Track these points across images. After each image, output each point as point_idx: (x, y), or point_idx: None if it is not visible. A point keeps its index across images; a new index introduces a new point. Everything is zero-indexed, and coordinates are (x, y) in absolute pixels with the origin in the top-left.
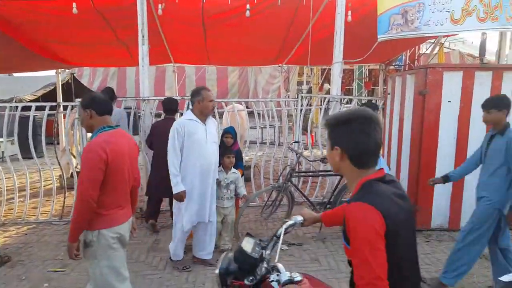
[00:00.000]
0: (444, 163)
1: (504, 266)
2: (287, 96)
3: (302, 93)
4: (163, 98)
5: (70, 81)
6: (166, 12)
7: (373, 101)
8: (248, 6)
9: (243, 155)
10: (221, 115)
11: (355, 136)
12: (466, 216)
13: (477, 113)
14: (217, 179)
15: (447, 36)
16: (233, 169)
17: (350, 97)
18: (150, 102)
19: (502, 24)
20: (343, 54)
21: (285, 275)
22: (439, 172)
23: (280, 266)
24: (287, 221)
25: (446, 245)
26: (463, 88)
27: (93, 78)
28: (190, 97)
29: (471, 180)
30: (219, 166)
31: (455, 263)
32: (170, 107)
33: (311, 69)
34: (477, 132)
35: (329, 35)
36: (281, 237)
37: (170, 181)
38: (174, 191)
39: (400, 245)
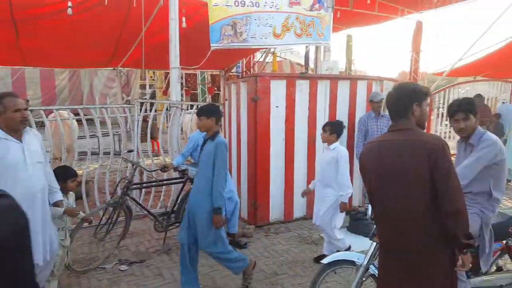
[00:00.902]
0: (277, 162)
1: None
2: (126, 101)
3: (146, 97)
4: None
5: None
6: None
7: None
8: (70, 4)
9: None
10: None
11: None
12: (298, 208)
13: (300, 117)
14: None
15: (271, 47)
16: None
17: (191, 103)
18: None
19: (315, 40)
20: (181, 60)
21: None
22: (273, 171)
23: None
24: None
25: (283, 236)
26: (287, 94)
27: None
28: None
29: (300, 178)
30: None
31: None
32: None
33: (154, 72)
34: (300, 136)
35: (166, 40)
36: None
37: None
38: None
39: None
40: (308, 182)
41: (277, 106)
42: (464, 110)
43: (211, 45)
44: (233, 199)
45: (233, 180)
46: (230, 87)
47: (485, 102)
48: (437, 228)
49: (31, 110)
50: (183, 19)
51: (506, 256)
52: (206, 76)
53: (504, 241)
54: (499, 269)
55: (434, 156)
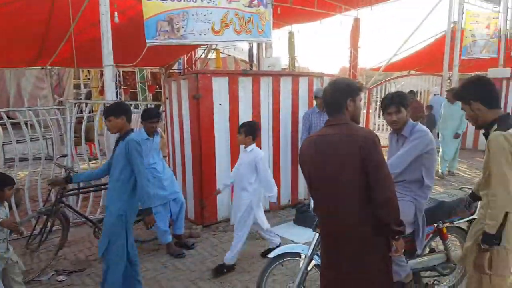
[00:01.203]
0: (222, 160)
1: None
2: (59, 103)
3: (80, 98)
4: None
5: None
6: None
7: (151, 106)
8: None
9: None
10: None
11: None
12: None
13: (244, 114)
14: None
15: (211, 44)
16: None
17: (129, 102)
18: None
19: (255, 36)
20: (116, 57)
21: None
22: (218, 169)
23: None
24: None
25: (231, 234)
26: (230, 91)
27: None
28: None
29: None
30: None
31: None
32: None
33: (89, 71)
34: None
35: (99, 36)
36: None
37: None
38: None
39: None
40: None
41: (220, 104)
42: (396, 104)
43: (147, 41)
44: (178, 200)
45: (178, 181)
46: (170, 85)
47: (419, 95)
48: (372, 216)
49: None
50: (115, 14)
51: (438, 238)
52: (145, 74)
53: (435, 225)
54: (432, 251)
55: (366, 148)
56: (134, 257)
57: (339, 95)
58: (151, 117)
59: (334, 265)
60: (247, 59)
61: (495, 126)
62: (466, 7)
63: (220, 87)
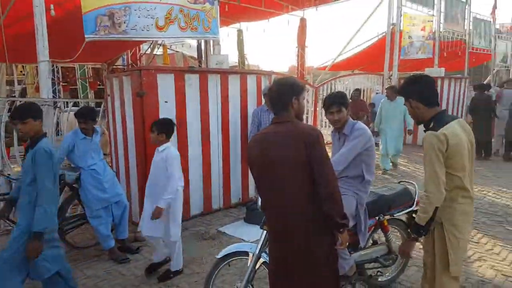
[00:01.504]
0: None
1: None
2: None
3: (14, 95)
4: None
5: None
6: None
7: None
8: None
9: None
10: None
11: None
12: (195, 205)
13: (191, 112)
14: None
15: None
16: None
17: (69, 99)
18: None
19: (201, 33)
20: (53, 52)
21: None
22: None
23: None
24: None
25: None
26: (177, 89)
27: None
28: None
29: (195, 174)
30: None
31: None
32: None
33: (24, 66)
34: (193, 132)
35: (33, 29)
36: None
37: None
38: None
39: None
40: (204, 178)
41: (166, 101)
42: (337, 103)
43: (86, 36)
44: (121, 203)
45: (122, 182)
46: (111, 82)
47: (363, 93)
48: (317, 211)
49: None
50: (51, 6)
51: (380, 231)
52: (86, 70)
53: (377, 218)
54: (375, 243)
55: (311, 144)
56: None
57: (285, 94)
58: (80, 117)
59: (282, 261)
60: (196, 56)
61: (432, 124)
62: (404, 10)
63: (165, 84)
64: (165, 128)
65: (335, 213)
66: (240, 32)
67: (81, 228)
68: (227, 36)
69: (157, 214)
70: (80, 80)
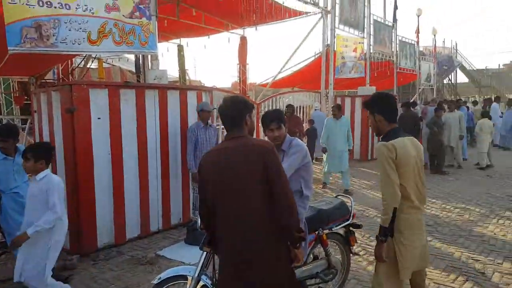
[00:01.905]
0: (102, 180)
1: None
2: None
3: None
4: None
5: None
6: None
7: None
8: None
9: None
10: None
11: None
12: (131, 227)
13: (127, 129)
14: None
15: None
16: None
17: None
18: None
19: (137, 48)
20: None
21: None
22: (98, 189)
23: None
24: None
25: (114, 261)
26: (111, 104)
27: None
28: None
29: (131, 195)
30: None
31: None
32: None
33: None
34: (129, 149)
35: None
36: None
37: None
38: None
39: None
40: (142, 198)
41: (99, 118)
42: (276, 120)
43: (9, 48)
44: None
45: None
46: (39, 97)
47: (302, 110)
48: (275, 226)
49: None
50: None
51: (319, 245)
52: (11, 84)
53: (316, 232)
54: (315, 258)
55: (266, 157)
56: None
57: (239, 111)
58: None
59: (242, 278)
60: (134, 70)
61: (386, 137)
62: (337, 32)
63: (98, 99)
64: (44, 153)
65: (293, 226)
66: (180, 47)
67: (1, 258)
68: (167, 51)
69: (18, 242)
70: (3, 94)
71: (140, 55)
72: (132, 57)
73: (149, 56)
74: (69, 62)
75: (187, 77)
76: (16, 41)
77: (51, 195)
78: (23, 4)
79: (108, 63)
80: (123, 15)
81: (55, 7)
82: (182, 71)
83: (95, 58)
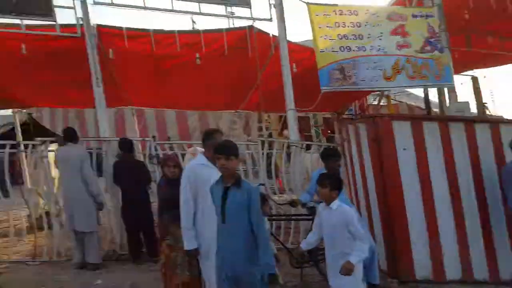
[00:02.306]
0: (413, 205)
1: None
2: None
3: (263, 137)
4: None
5: (28, 122)
6: (119, 57)
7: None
8: (197, 55)
9: None
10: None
11: None
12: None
13: (434, 161)
14: None
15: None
16: None
17: (309, 142)
18: (111, 143)
19: (432, 82)
20: (296, 102)
21: None
22: (411, 218)
23: None
24: None
25: None
26: (414, 136)
27: (53, 119)
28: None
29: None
30: None
31: None
32: (124, 146)
33: (269, 115)
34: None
35: (279, 85)
36: None
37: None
38: None
39: None
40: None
41: (404, 149)
42: None
43: (322, 88)
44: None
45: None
46: (347, 128)
47: None
48: None
49: None
50: (294, 65)
51: None
52: (317, 119)
53: None
54: None
55: None
56: None
57: None
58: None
59: None
60: (422, 106)
61: None
62: None
63: (402, 131)
64: (337, 184)
65: None
66: (475, 79)
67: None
68: (460, 84)
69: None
70: (314, 127)
71: (432, 90)
72: (420, 93)
73: (445, 90)
74: (364, 100)
75: (486, 111)
76: (326, 82)
77: (351, 225)
78: (329, 51)
79: (395, 100)
80: (415, 51)
81: (354, 50)
82: (479, 104)
83: (385, 95)
